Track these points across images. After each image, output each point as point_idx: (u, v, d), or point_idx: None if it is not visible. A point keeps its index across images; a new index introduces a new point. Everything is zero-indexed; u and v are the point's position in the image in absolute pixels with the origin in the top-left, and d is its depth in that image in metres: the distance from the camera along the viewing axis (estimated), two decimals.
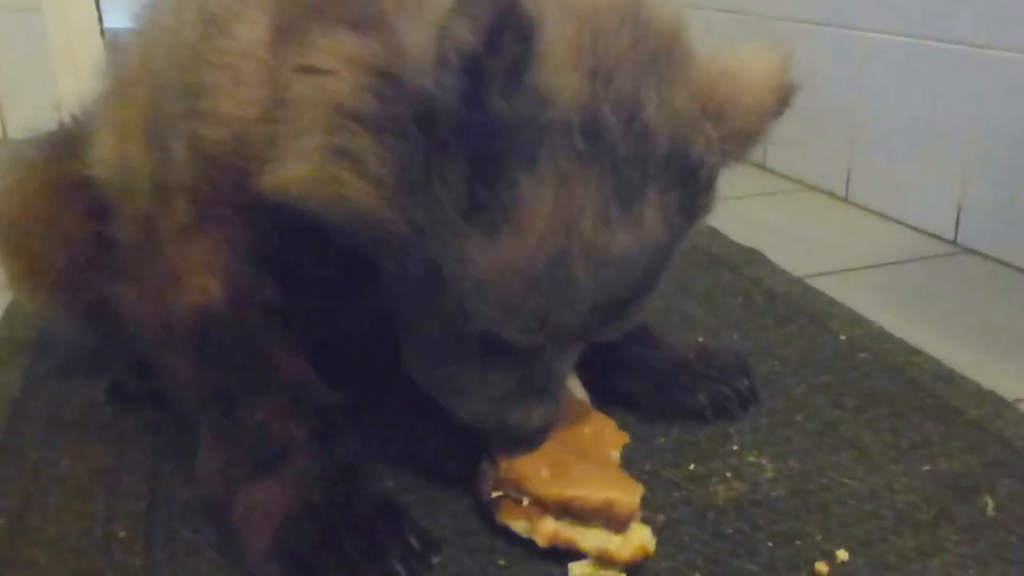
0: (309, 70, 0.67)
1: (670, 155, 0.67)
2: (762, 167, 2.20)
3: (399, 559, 0.73)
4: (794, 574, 0.77)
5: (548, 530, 0.78)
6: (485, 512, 0.84)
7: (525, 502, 0.79)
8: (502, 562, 0.79)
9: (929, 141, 1.71)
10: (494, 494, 0.81)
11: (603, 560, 0.76)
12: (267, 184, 0.68)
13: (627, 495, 0.77)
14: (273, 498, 0.76)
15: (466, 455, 0.90)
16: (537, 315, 0.69)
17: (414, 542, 0.75)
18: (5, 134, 2.30)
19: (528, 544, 0.79)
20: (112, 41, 0.95)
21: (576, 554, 0.77)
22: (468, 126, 0.62)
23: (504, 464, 0.81)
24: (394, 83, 0.63)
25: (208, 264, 0.79)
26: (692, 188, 0.69)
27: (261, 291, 0.80)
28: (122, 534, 0.82)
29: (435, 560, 0.77)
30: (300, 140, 0.66)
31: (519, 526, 0.79)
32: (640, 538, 0.77)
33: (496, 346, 0.73)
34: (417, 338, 0.79)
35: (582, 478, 0.79)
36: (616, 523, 0.77)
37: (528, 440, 0.81)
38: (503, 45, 0.58)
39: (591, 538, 0.77)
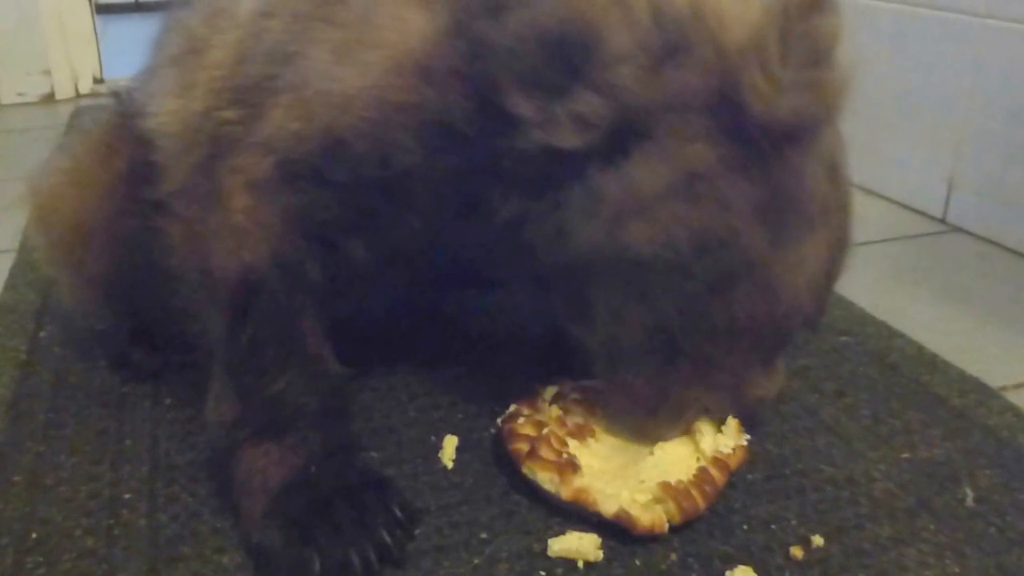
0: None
1: None
2: None
3: (386, 528, 0.77)
4: (769, 557, 0.78)
5: (575, 486, 0.80)
6: (506, 461, 0.87)
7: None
8: (483, 535, 0.80)
9: (920, 114, 1.67)
10: (520, 444, 0.84)
11: (621, 521, 0.77)
12: None
13: None
14: (273, 464, 0.79)
15: (450, 430, 0.94)
16: None
17: (399, 513, 0.79)
18: None
19: (508, 518, 0.82)
20: (164, 24, 0.93)
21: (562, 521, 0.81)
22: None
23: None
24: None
25: (267, 226, 0.79)
26: None
27: (306, 267, 0.81)
28: (127, 496, 0.86)
29: (417, 531, 0.80)
30: None
31: (544, 477, 0.81)
32: (659, 514, 0.78)
33: None
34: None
35: None
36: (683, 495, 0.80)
37: None
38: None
39: (612, 502, 0.78)
